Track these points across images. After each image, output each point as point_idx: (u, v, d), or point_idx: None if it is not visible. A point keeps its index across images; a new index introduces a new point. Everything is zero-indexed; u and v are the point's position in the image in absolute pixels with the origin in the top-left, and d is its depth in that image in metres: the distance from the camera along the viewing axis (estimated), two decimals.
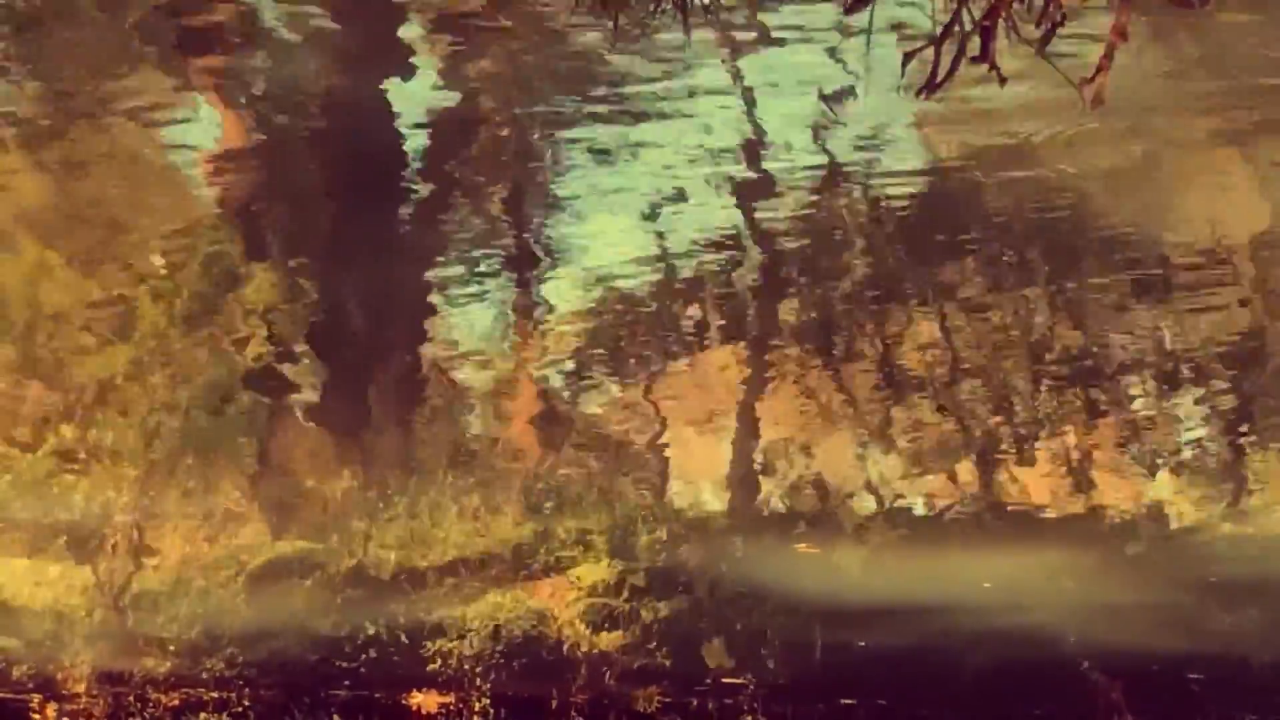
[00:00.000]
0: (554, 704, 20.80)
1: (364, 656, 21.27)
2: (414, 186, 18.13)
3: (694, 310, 20.19)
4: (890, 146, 17.42)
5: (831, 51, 16.42)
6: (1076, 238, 18.44)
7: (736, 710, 20.66)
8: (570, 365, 21.28)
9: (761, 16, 15.88)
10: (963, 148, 17.19)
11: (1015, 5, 6.76)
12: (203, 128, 17.15)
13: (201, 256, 19.32)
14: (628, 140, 17.33)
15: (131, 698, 21.30)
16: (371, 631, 21.33)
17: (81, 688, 21.37)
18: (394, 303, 20.27)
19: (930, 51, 6.83)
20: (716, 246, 19.12)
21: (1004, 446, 21.78)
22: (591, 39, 15.74)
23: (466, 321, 20.59)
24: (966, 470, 21.96)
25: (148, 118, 16.91)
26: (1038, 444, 21.57)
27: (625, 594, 21.28)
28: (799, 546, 21.66)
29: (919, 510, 22.05)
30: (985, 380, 20.97)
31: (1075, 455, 21.60)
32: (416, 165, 17.86)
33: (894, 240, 18.87)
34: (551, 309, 20.34)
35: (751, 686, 20.76)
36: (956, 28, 6.76)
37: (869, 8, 7.39)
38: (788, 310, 20.14)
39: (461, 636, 21.16)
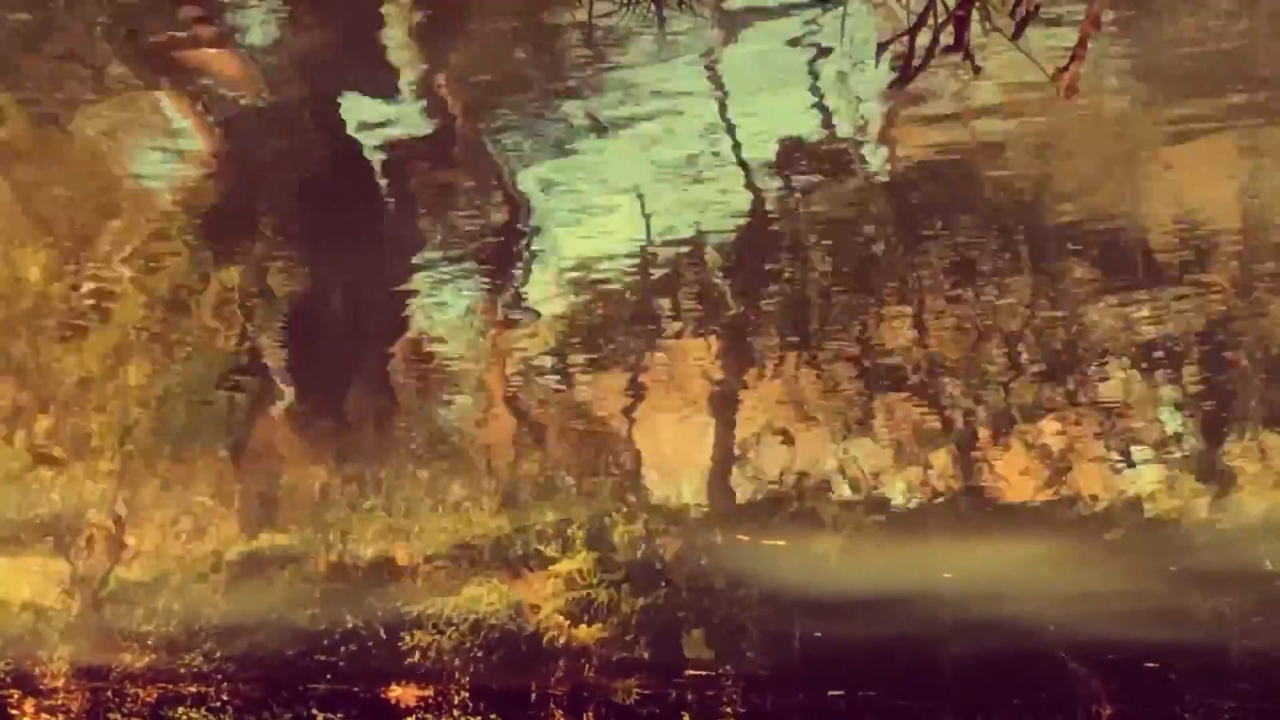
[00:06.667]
0: (533, 696, 20.82)
1: (342, 650, 21.27)
2: (391, 179, 18.10)
3: (672, 302, 20.18)
4: (868, 135, 17.40)
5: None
6: (1054, 228, 18.48)
7: (715, 701, 20.69)
8: (548, 358, 21.26)
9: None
10: (940, 138, 17.19)
11: None
12: (175, 127, 17.14)
13: (178, 253, 19.28)
14: (605, 128, 17.30)
15: (109, 693, 21.28)
16: (350, 625, 21.34)
17: (60, 683, 21.35)
18: (371, 297, 20.24)
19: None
20: (695, 238, 19.11)
21: (982, 436, 21.82)
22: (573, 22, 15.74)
23: (444, 316, 20.56)
24: (945, 460, 22.00)
25: (117, 121, 16.88)
26: (1015, 433, 21.62)
27: (603, 586, 21.30)
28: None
29: (897, 500, 22.09)
30: (963, 370, 21.00)
31: (1053, 444, 21.65)
32: (393, 156, 17.82)
33: (873, 230, 18.89)
34: (529, 302, 20.31)
35: (730, 678, 20.79)
36: (931, 17, 6.77)
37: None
38: (766, 301, 20.14)
39: (440, 630, 21.17)
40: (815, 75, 16.03)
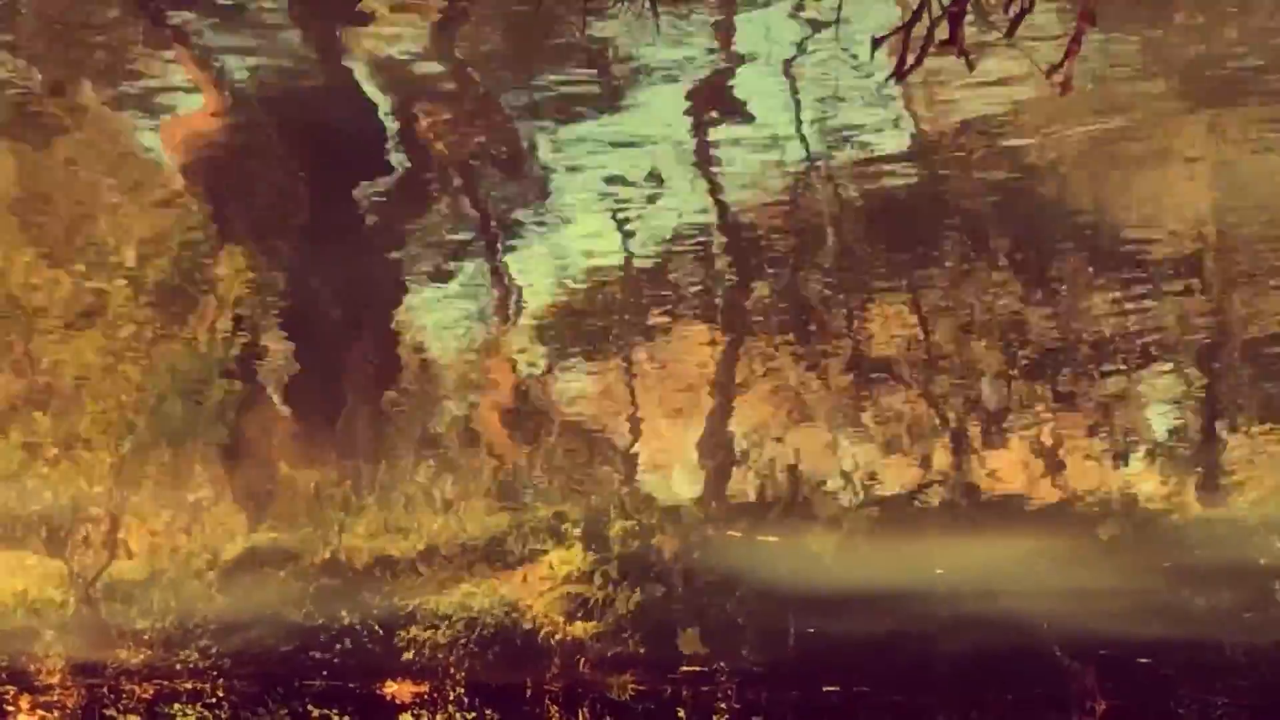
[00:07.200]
0: (528, 692, 20.82)
1: (338, 646, 21.27)
2: (386, 170, 18.08)
3: (667, 298, 20.18)
4: (863, 131, 17.40)
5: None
6: (1048, 223, 18.49)
7: (710, 697, 20.70)
8: (543, 354, 21.26)
9: None
10: (934, 133, 17.20)
11: None
12: (179, 101, 17.07)
13: (173, 245, 19.26)
14: (601, 123, 17.30)
15: (105, 689, 21.27)
16: (346, 621, 21.33)
17: (55, 679, 21.33)
18: (366, 290, 20.23)
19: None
20: (690, 233, 19.12)
21: (977, 432, 21.83)
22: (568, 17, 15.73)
23: (439, 310, 20.55)
24: (940, 456, 22.01)
25: (123, 93, 16.81)
26: (1010, 429, 21.63)
27: (599, 582, 21.31)
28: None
29: (891, 496, 22.09)
30: (958, 366, 21.02)
31: (1048, 440, 21.66)
32: (389, 148, 17.80)
33: (867, 226, 18.90)
34: (524, 297, 20.31)
35: (725, 674, 20.80)
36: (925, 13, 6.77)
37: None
38: (761, 297, 20.15)
39: (435, 626, 21.17)
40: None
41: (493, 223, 19.05)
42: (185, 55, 16.43)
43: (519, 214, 18.91)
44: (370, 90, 16.80)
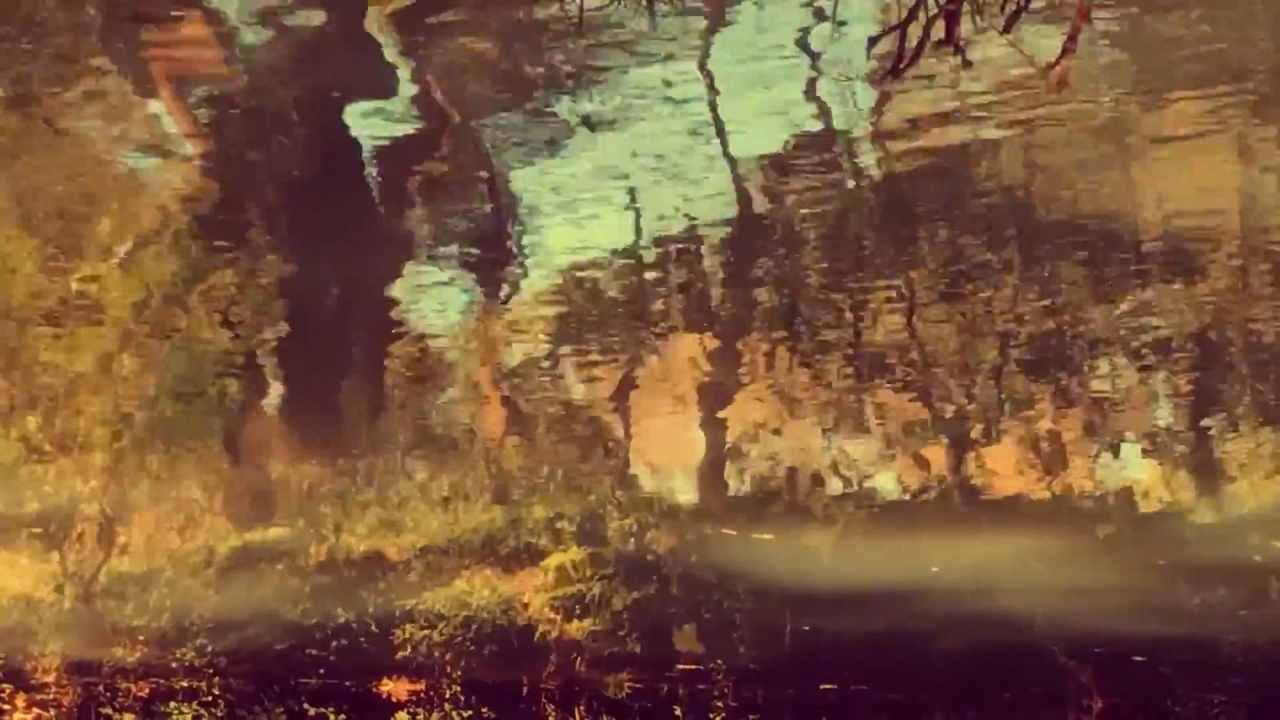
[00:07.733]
0: (525, 690, 20.81)
1: (334, 645, 21.25)
2: (381, 172, 18.06)
3: (663, 296, 20.16)
4: (860, 128, 17.39)
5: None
6: (1046, 221, 18.48)
7: (707, 695, 20.70)
8: (540, 352, 21.24)
9: None
10: (930, 130, 17.18)
11: None
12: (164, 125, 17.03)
13: (169, 246, 19.23)
14: (601, 119, 17.26)
15: (101, 687, 21.26)
16: (341, 619, 21.32)
17: (51, 678, 21.32)
18: (362, 290, 20.20)
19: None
20: (686, 232, 19.09)
21: (973, 430, 21.83)
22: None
23: (436, 309, 20.53)
24: (936, 454, 22.00)
25: (107, 115, 16.76)
26: (1007, 427, 21.63)
27: (595, 580, 21.30)
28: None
29: (888, 494, 22.09)
30: (955, 364, 21.01)
31: (1045, 438, 21.66)
32: (384, 148, 17.78)
33: (863, 223, 18.88)
34: (521, 296, 20.29)
35: (721, 672, 20.80)
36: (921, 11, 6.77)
37: None
38: (757, 296, 20.14)
39: (432, 624, 21.16)
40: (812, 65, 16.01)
41: (492, 220, 19.02)
42: (164, 88, 16.43)
43: (515, 214, 18.88)
44: (386, 49, 16.65)
